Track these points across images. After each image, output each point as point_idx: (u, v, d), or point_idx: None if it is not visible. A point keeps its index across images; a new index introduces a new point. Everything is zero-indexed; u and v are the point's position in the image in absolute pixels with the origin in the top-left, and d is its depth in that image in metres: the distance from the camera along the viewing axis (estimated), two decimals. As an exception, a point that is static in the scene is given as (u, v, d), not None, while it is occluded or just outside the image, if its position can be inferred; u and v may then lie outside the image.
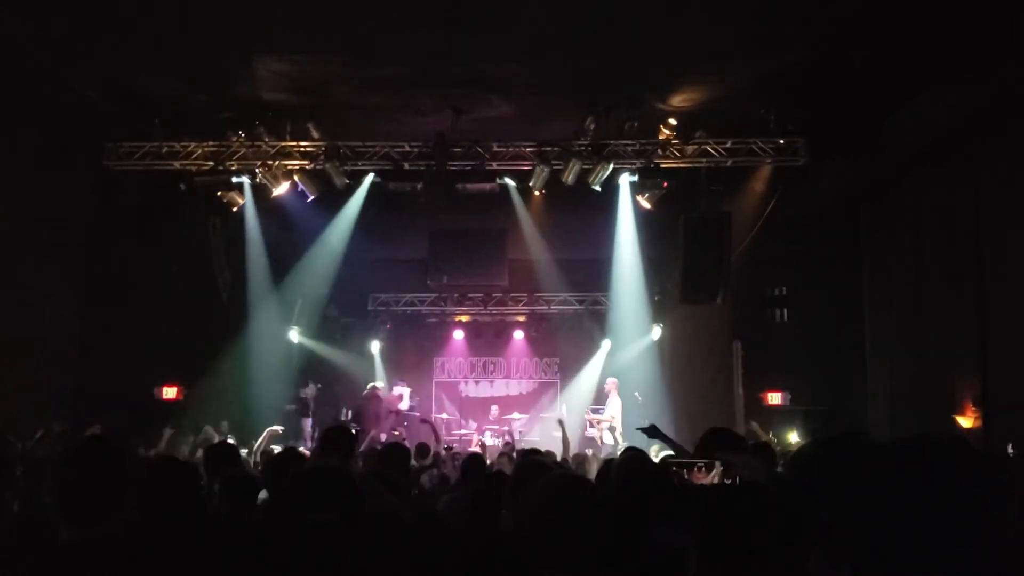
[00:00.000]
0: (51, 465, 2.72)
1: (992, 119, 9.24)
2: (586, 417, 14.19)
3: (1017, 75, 8.27)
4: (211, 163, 11.09)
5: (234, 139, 11.00)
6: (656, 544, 2.97)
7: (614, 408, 13.72)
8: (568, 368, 17.38)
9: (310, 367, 15.59)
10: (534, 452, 6.23)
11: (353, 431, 6.03)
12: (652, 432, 5.60)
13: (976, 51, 8.36)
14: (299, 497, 2.28)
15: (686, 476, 3.40)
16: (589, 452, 9.91)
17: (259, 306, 13.55)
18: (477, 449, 11.62)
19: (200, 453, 8.40)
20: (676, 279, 12.25)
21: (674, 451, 5.39)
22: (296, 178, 11.31)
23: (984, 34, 8.19)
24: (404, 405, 15.31)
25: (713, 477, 3.32)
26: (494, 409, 16.19)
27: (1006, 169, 9.19)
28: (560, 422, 9.83)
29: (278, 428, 10.07)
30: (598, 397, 15.18)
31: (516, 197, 12.62)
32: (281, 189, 11.36)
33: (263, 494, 4.49)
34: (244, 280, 12.62)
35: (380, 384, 15.73)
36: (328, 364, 16.01)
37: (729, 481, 3.12)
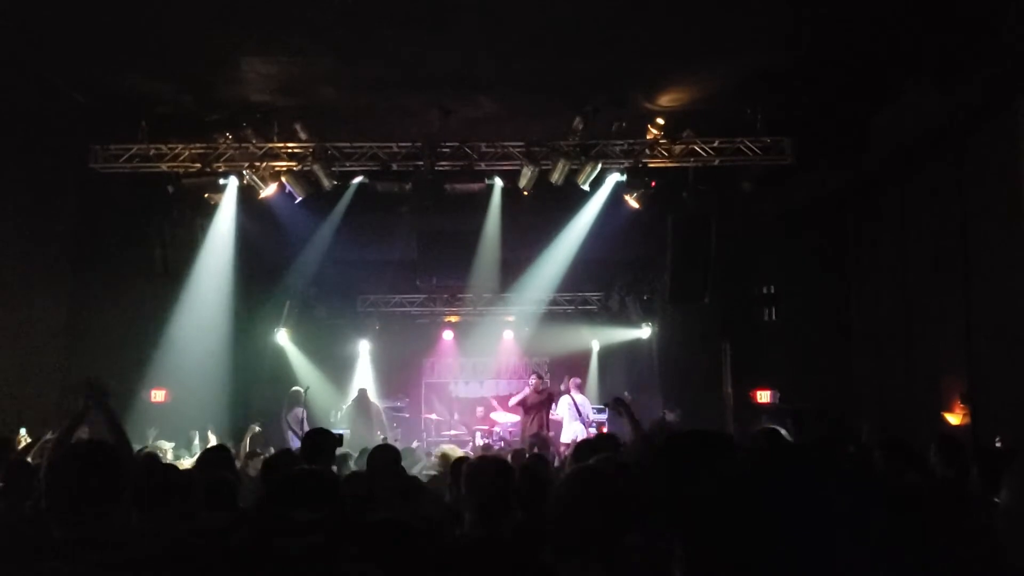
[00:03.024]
0: (45, 468, 2.71)
1: (977, 117, 9.29)
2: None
3: (1001, 73, 8.32)
4: (198, 165, 11.02)
5: (221, 141, 10.93)
6: (639, 545, 2.96)
7: (560, 408, 13.86)
8: (557, 368, 17.38)
9: (297, 369, 15.52)
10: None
11: (338, 434, 6.02)
12: (615, 404, 5.65)
13: (961, 49, 8.41)
14: (285, 497, 2.29)
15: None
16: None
17: (246, 309, 13.49)
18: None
19: (186, 456, 8.38)
20: (664, 279, 12.27)
21: (633, 429, 5.39)
22: (284, 179, 11.26)
23: (968, 32, 8.24)
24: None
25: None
26: (479, 410, 16.12)
27: (990, 166, 9.25)
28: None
29: (256, 427, 10.10)
30: (588, 396, 15.18)
31: (497, 199, 12.56)
32: (269, 191, 11.31)
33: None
34: (230, 282, 12.56)
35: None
36: (316, 366, 15.94)
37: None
